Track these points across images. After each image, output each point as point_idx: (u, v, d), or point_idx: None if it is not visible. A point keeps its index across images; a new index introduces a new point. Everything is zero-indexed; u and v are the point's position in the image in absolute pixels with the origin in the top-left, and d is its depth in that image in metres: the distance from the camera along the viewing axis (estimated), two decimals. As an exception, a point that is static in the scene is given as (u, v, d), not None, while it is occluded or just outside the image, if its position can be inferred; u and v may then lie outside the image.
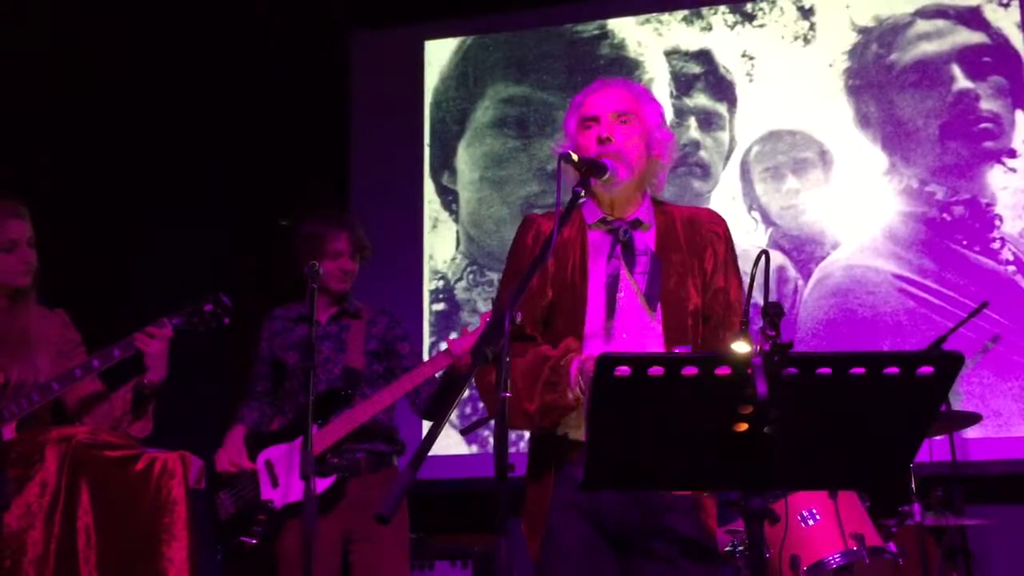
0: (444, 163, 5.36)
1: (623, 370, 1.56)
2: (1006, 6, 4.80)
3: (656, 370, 1.56)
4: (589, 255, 2.28)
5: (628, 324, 2.23)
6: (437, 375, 3.35)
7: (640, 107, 2.31)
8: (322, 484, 3.22)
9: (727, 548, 3.53)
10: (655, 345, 2.21)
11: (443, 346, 3.50)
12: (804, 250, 4.84)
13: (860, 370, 1.56)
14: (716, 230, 2.33)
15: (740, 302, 2.26)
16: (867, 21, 4.95)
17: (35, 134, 4.60)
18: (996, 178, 4.67)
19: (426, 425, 3.99)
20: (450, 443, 4.83)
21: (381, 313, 3.52)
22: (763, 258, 1.91)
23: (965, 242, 4.64)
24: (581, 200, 2.12)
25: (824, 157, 4.90)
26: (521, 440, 4.77)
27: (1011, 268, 4.58)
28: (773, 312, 1.63)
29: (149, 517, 2.69)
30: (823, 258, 4.80)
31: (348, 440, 3.27)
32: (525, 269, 2.24)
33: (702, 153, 5.02)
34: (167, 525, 2.68)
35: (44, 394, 2.94)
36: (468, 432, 4.78)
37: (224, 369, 4.22)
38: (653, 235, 2.31)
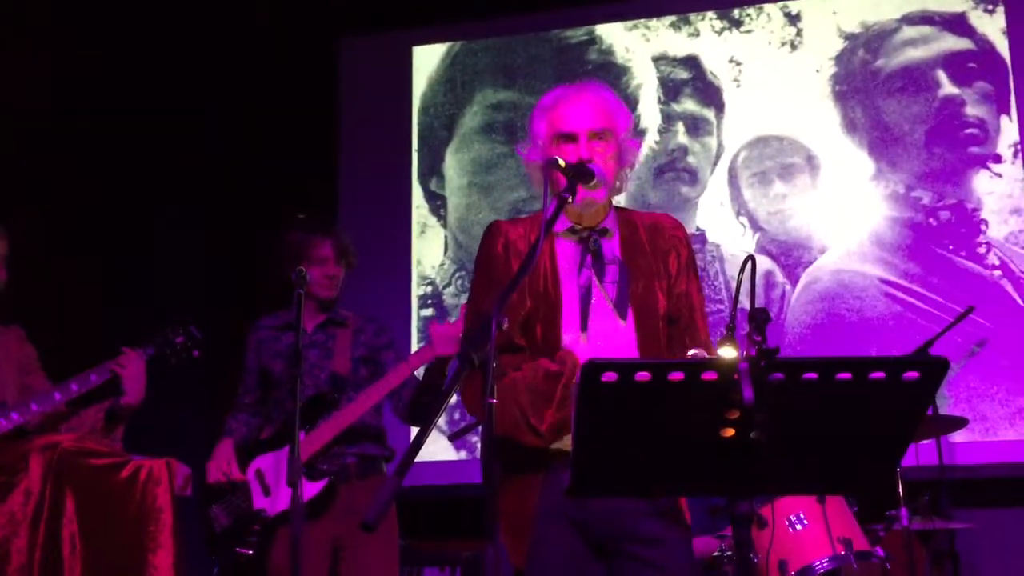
0: (432, 168, 5.36)
1: (610, 376, 1.56)
2: (991, 12, 4.82)
3: (643, 375, 1.56)
4: (560, 265, 2.30)
5: (603, 331, 2.25)
6: (420, 370, 3.34)
7: (614, 120, 2.33)
8: (313, 489, 3.21)
9: (715, 553, 3.53)
10: (629, 350, 2.24)
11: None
12: (791, 255, 4.85)
13: (846, 375, 1.56)
14: (678, 235, 2.38)
15: (703, 304, 2.36)
16: (854, 27, 4.97)
17: (30, 139, 4.58)
18: (982, 183, 4.69)
19: (414, 430, 3.97)
20: (438, 449, 4.81)
21: (368, 321, 3.52)
22: (749, 263, 1.91)
23: (951, 247, 4.66)
24: (569, 203, 2.14)
25: (811, 162, 4.91)
26: (509, 446, 4.75)
27: (997, 273, 4.60)
28: (759, 317, 1.63)
29: (134, 525, 2.67)
30: (810, 263, 4.81)
31: (337, 444, 3.26)
32: (500, 277, 2.26)
33: (690, 158, 5.03)
34: (153, 533, 2.67)
35: (23, 414, 2.93)
36: (456, 438, 4.76)
37: (211, 378, 4.19)
38: (617, 242, 2.34)
